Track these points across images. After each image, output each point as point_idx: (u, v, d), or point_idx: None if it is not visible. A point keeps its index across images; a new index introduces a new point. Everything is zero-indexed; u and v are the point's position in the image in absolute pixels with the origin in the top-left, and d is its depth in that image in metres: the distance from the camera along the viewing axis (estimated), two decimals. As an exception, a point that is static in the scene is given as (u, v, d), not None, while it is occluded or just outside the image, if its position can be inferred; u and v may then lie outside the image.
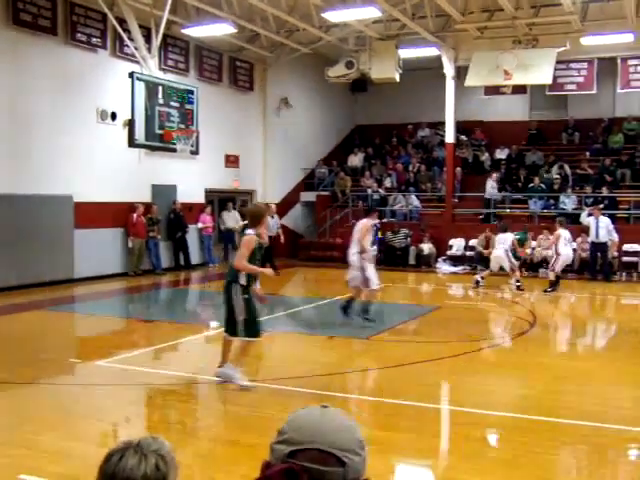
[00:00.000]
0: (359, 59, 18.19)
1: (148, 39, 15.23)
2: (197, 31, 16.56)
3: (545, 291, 14.41)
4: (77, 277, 14.87)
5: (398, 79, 18.18)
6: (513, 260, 14.72)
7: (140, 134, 14.99)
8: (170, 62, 17.37)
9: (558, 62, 17.16)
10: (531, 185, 19.52)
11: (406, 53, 18.19)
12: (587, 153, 20.86)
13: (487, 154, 21.90)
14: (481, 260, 17.64)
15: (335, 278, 17.68)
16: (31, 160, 13.93)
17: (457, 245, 19.13)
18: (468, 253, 18.70)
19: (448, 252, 19.05)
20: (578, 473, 5.26)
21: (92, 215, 15.09)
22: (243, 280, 6.70)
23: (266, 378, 7.39)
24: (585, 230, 16.49)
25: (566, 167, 20.00)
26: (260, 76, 20.76)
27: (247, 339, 6.76)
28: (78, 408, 6.42)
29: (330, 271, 17.99)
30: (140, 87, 14.77)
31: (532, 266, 17.02)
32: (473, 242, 18.37)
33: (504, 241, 14.64)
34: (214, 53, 18.94)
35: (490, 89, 19.77)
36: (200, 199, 18.75)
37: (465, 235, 19.01)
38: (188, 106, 16.25)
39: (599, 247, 16.00)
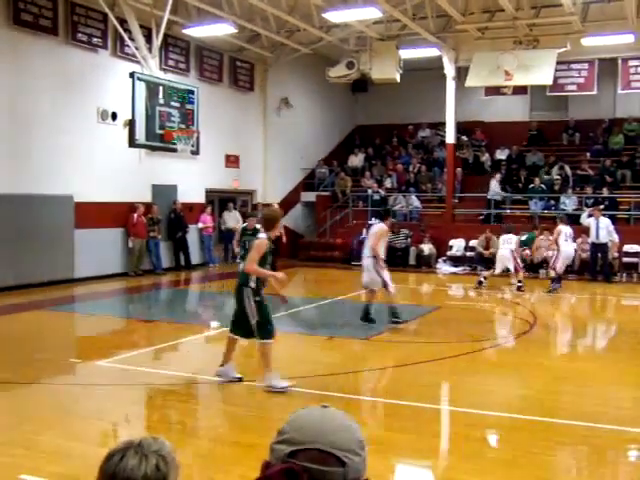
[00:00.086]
0: (360, 59, 18.19)
1: (149, 39, 15.23)
2: (198, 31, 16.57)
3: (549, 291, 14.39)
4: (77, 277, 14.87)
5: (399, 79, 18.19)
6: (519, 260, 14.69)
7: (140, 134, 14.99)
8: (171, 62, 17.38)
9: (559, 63, 17.15)
10: (531, 186, 19.52)
11: (407, 53, 18.19)
12: (587, 154, 20.85)
13: (487, 155, 21.90)
14: (481, 261, 17.65)
15: (335, 278, 17.72)
16: (32, 160, 13.93)
17: (457, 246, 19.13)
18: (468, 254, 18.70)
19: (448, 253, 19.05)
20: (578, 473, 5.26)
21: (92, 215, 15.09)
22: (253, 283, 6.69)
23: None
24: (585, 231, 16.49)
25: (566, 168, 20.00)
26: (261, 76, 20.76)
27: (262, 341, 6.73)
28: (78, 408, 6.43)
29: (330, 271, 18.03)
30: (141, 87, 14.77)
31: (532, 267, 17.01)
32: (473, 243, 18.38)
33: (509, 241, 14.60)
34: (215, 53, 18.95)
35: (491, 90, 19.78)
36: (200, 199, 18.76)
37: (465, 236, 19.01)
38: (188, 106, 16.25)
39: (599, 248, 16.00)
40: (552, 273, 14.61)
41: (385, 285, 10.14)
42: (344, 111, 24.65)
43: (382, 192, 21.38)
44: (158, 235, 16.88)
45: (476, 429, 5.88)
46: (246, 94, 20.33)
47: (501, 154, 21.84)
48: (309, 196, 22.40)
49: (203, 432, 6.01)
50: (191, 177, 18.05)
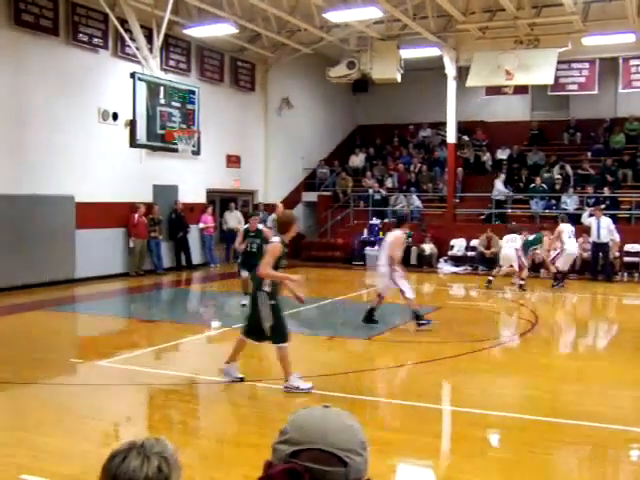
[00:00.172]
0: (360, 59, 18.19)
1: (149, 39, 15.22)
2: (198, 31, 16.57)
3: (553, 286, 14.50)
4: (78, 277, 14.88)
5: (399, 79, 18.19)
6: (524, 259, 14.66)
7: (141, 134, 14.97)
8: (171, 62, 17.38)
9: (559, 62, 17.15)
10: (532, 185, 19.51)
11: (407, 53, 18.19)
12: (589, 153, 20.83)
13: (488, 154, 21.90)
14: (482, 260, 17.65)
15: (336, 278, 17.73)
16: (32, 160, 13.94)
17: (458, 245, 19.13)
18: (469, 253, 18.71)
19: (449, 252, 19.05)
20: (579, 473, 5.26)
21: (93, 215, 15.10)
22: (267, 287, 6.67)
23: (267, 378, 7.39)
24: (586, 230, 16.48)
25: (567, 167, 19.99)
26: (261, 76, 20.76)
27: (278, 345, 6.71)
28: (78, 408, 6.43)
29: (331, 271, 18.03)
30: (141, 87, 14.75)
31: (533, 267, 16.98)
32: (474, 242, 18.38)
33: (513, 240, 14.58)
34: (215, 53, 18.95)
35: (491, 89, 19.78)
36: (201, 199, 18.77)
37: (466, 235, 19.01)
38: (189, 106, 16.24)
39: (600, 247, 16.00)
40: (552, 268, 14.66)
41: (402, 292, 10.05)
42: (345, 111, 24.65)
43: (383, 192, 21.39)
44: (159, 235, 16.89)
45: (477, 429, 5.88)
46: (247, 94, 20.33)
47: (502, 154, 21.83)
48: (310, 196, 22.40)
49: (204, 432, 6.01)
50: (192, 177, 18.05)
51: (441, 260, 18.95)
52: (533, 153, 21.22)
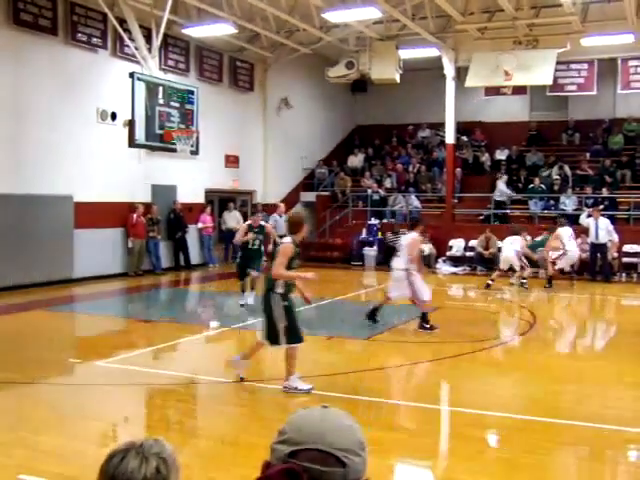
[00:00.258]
0: (359, 59, 18.21)
1: (148, 39, 15.23)
2: (197, 31, 16.56)
3: (545, 287, 14.52)
4: (77, 277, 14.86)
5: (398, 80, 18.20)
6: (524, 260, 14.67)
7: (140, 134, 14.99)
8: (170, 62, 17.37)
9: (558, 63, 17.16)
10: (531, 186, 19.52)
11: (406, 54, 18.20)
12: (587, 154, 20.84)
13: (487, 155, 21.91)
14: (481, 261, 17.65)
15: (335, 278, 17.71)
16: (31, 160, 13.93)
17: (457, 246, 19.13)
18: (468, 254, 18.71)
19: (448, 253, 19.05)
20: (578, 473, 5.26)
21: (92, 215, 15.08)
22: (280, 289, 6.63)
23: (266, 378, 7.39)
24: (585, 231, 16.49)
25: (566, 168, 20.00)
26: (260, 76, 20.76)
27: (290, 345, 6.69)
28: (78, 408, 6.42)
29: (330, 271, 17.98)
30: (140, 87, 14.76)
31: (532, 266, 16.98)
32: (473, 243, 18.38)
33: (514, 242, 14.58)
34: (214, 53, 18.94)
35: (490, 90, 19.78)
36: (200, 199, 18.76)
37: (465, 236, 19.02)
38: (188, 106, 16.25)
39: (599, 248, 16.01)
40: (551, 269, 14.74)
41: (416, 295, 9.96)
42: (344, 111, 24.65)
43: (382, 192, 21.39)
44: (158, 235, 16.88)
45: (476, 429, 5.88)
46: (246, 94, 20.33)
47: (501, 154, 21.84)
48: (309, 196, 22.39)
49: (203, 432, 6.01)
50: (191, 177, 18.04)
51: (440, 260, 18.94)
52: (532, 154, 21.23)
